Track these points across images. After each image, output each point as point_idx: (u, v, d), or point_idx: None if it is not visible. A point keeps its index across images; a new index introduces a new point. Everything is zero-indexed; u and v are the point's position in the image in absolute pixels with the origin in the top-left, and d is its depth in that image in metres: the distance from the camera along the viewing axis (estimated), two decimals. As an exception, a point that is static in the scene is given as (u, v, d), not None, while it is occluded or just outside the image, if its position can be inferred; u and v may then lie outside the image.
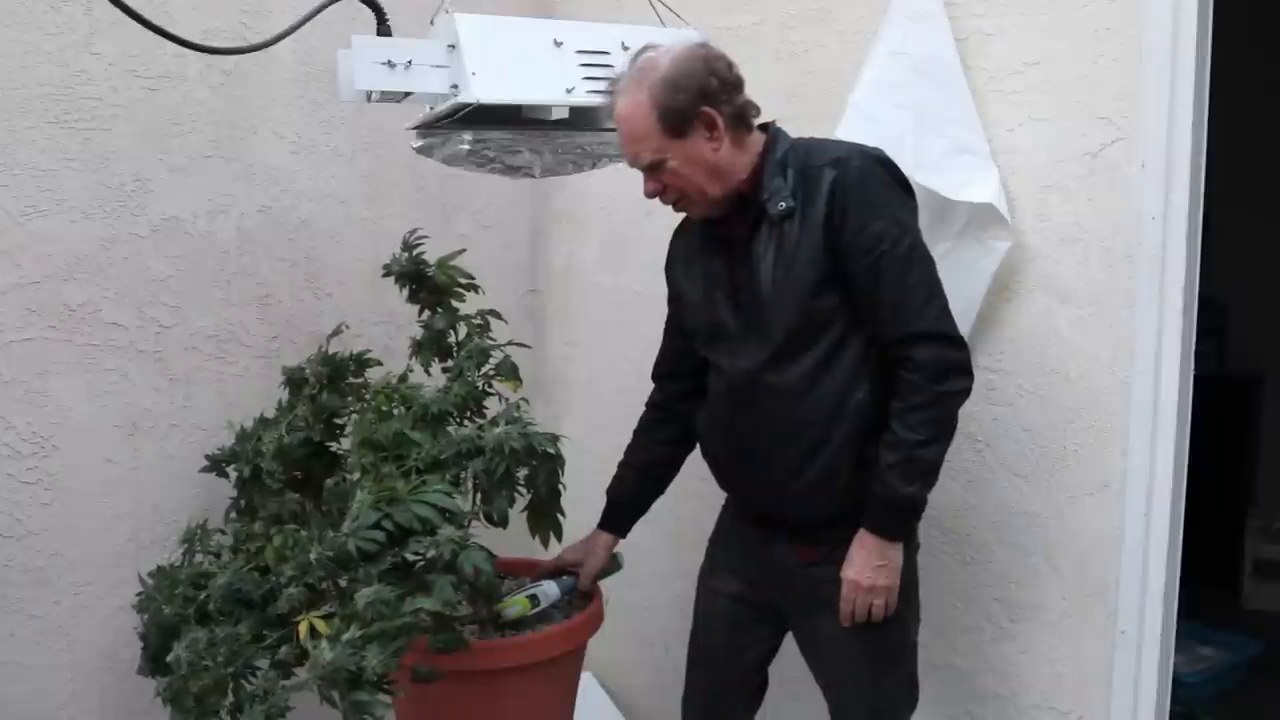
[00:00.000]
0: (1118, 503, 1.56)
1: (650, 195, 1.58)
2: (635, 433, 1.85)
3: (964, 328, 1.71)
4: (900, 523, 1.53)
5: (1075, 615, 1.62)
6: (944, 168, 1.66)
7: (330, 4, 1.60)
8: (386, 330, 2.35)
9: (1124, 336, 1.54)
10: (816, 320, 1.49)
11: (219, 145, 2.12)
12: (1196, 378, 1.52)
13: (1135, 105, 1.52)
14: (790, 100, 2.00)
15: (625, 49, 1.61)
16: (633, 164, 1.55)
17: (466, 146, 1.65)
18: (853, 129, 1.69)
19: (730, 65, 1.51)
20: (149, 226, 2.05)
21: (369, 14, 1.62)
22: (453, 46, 1.53)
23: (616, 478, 1.84)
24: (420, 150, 1.70)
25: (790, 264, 1.49)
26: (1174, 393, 1.50)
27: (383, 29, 1.61)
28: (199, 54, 1.63)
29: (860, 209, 1.46)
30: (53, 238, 1.94)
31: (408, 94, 1.58)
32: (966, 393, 1.48)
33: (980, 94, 1.68)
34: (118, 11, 1.46)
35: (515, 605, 1.72)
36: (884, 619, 1.53)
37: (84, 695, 2.03)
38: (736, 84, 1.51)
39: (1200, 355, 1.52)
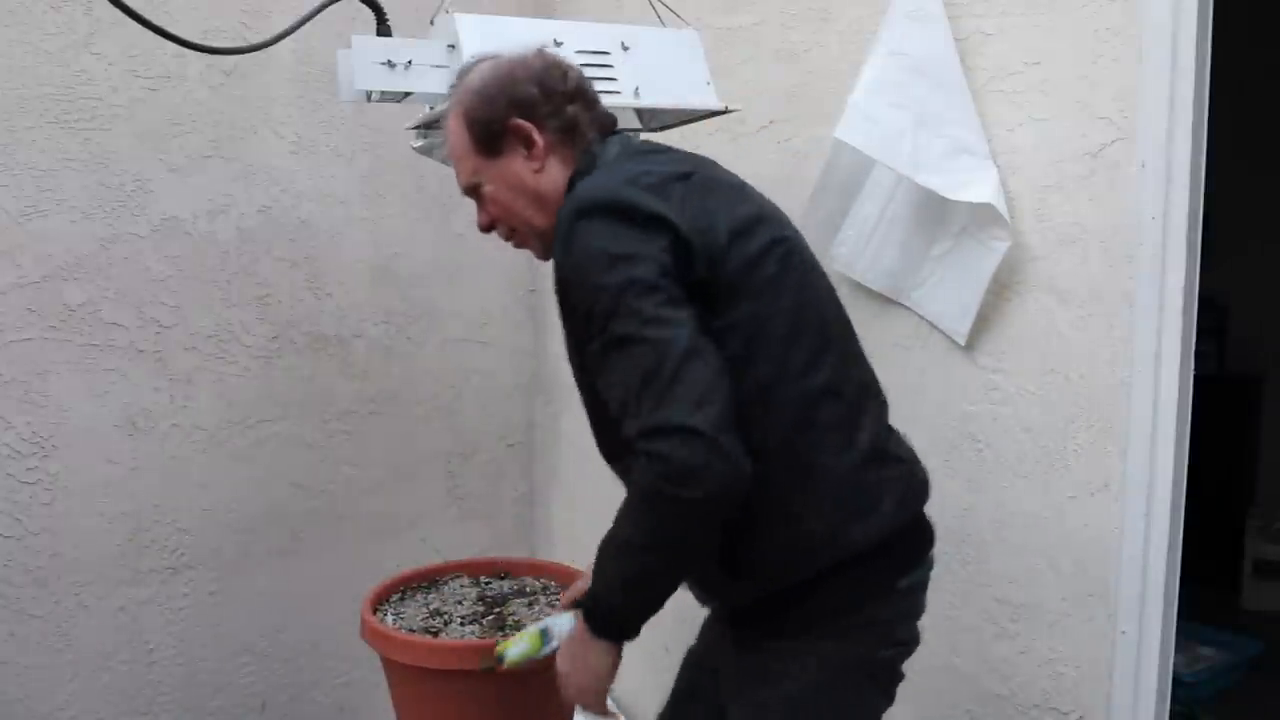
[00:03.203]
0: (1118, 503, 1.56)
1: (483, 229, 1.39)
2: None
3: (964, 328, 1.71)
4: (599, 623, 1.27)
5: (1075, 615, 1.62)
6: (944, 168, 1.66)
7: (330, 4, 1.60)
8: (386, 330, 2.35)
9: (1124, 336, 1.54)
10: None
11: (219, 145, 2.12)
12: (1196, 378, 1.52)
13: (1135, 105, 1.51)
14: (790, 100, 2.00)
15: (625, 49, 1.61)
16: (462, 191, 1.39)
17: (466, 146, 1.65)
18: (853, 129, 1.69)
19: (566, 74, 1.34)
20: (149, 226, 2.05)
21: (369, 14, 1.62)
22: (453, 46, 1.53)
23: None
24: (420, 150, 1.70)
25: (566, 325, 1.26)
26: (1174, 393, 1.50)
27: (383, 29, 1.62)
28: (199, 54, 1.64)
29: (559, 284, 1.22)
30: (53, 238, 1.94)
31: (408, 94, 1.58)
32: (700, 503, 1.11)
33: (980, 94, 1.68)
34: (118, 11, 1.47)
35: (522, 642, 1.46)
36: None
37: (84, 695, 2.03)
38: (571, 95, 1.32)
39: (1200, 355, 1.52)
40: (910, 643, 1.40)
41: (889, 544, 1.30)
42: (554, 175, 1.31)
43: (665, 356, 1.13)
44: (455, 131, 1.33)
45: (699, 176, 1.29)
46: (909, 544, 1.37)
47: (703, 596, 1.40)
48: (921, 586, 1.40)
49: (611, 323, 1.15)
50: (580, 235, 1.18)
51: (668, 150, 1.37)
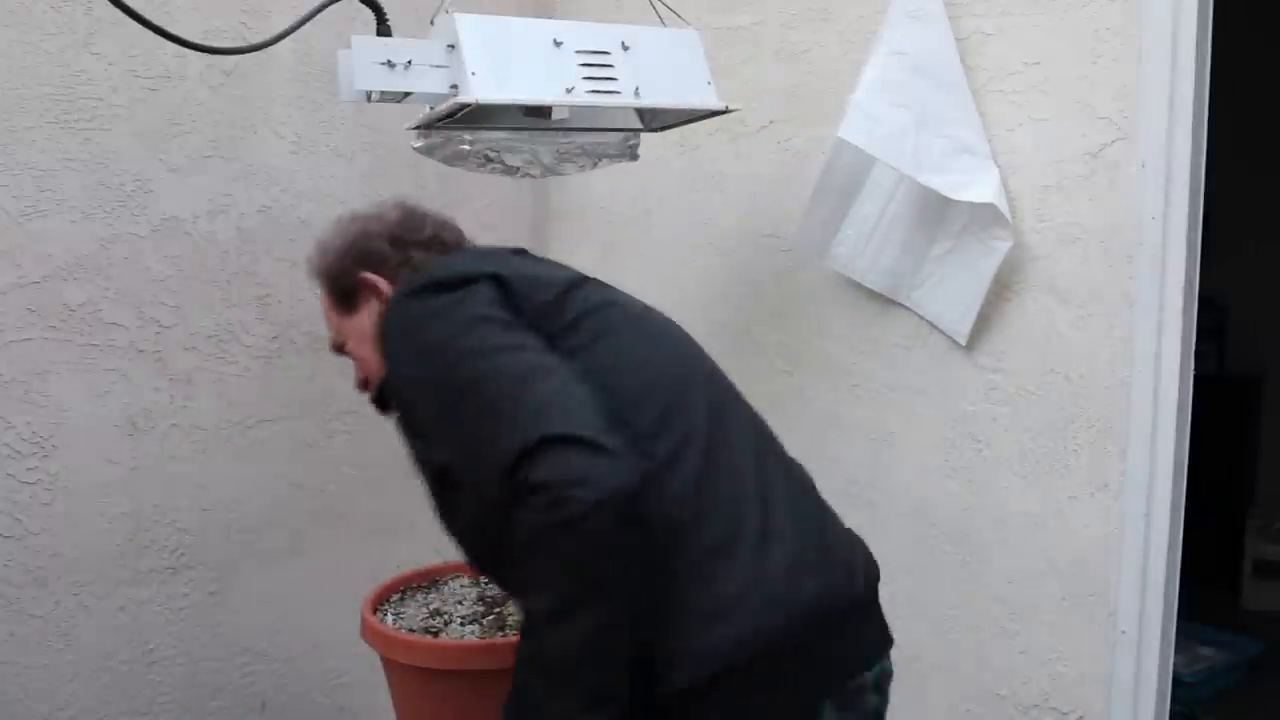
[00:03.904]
0: (1118, 503, 1.56)
1: (358, 389, 1.41)
2: None
3: (964, 328, 1.71)
4: None
5: (1075, 615, 1.62)
6: (944, 168, 1.66)
7: (330, 4, 1.60)
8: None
9: (1124, 336, 1.54)
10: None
11: (219, 145, 2.12)
12: (1196, 378, 1.52)
13: (1135, 105, 1.52)
14: (790, 100, 2.00)
15: (625, 49, 1.61)
16: (331, 349, 1.44)
17: (466, 146, 1.65)
18: (853, 129, 1.69)
19: (423, 224, 1.38)
20: (149, 226, 2.05)
21: (369, 14, 1.62)
22: (452, 46, 1.53)
23: None
24: (420, 150, 1.69)
25: None
26: (1174, 393, 1.50)
27: (383, 29, 1.61)
28: (199, 54, 1.63)
29: (392, 392, 1.24)
30: (53, 238, 1.94)
31: (408, 94, 1.58)
32: (596, 511, 0.98)
33: (980, 94, 1.68)
34: (118, 11, 1.46)
35: None
36: None
37: (84, 695, 2.03)
38: (426, 242, 1.35)
39: (1200, 355, 1.52)
40: None
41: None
42: None
43: (510, 380, 1.07)
44: (321, 292, 1.39)
45: (532, 260, 1.34)
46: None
47: None
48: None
49: (448, 376, 1.10)
50: (392, 321, 1.19)
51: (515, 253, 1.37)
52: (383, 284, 1.34)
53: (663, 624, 1.07)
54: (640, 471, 1.03)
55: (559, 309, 1.20)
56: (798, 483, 1.26)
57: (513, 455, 1.00)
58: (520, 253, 1.37)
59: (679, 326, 1.34)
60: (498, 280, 1.17)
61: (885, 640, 1.23)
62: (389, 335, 1.20)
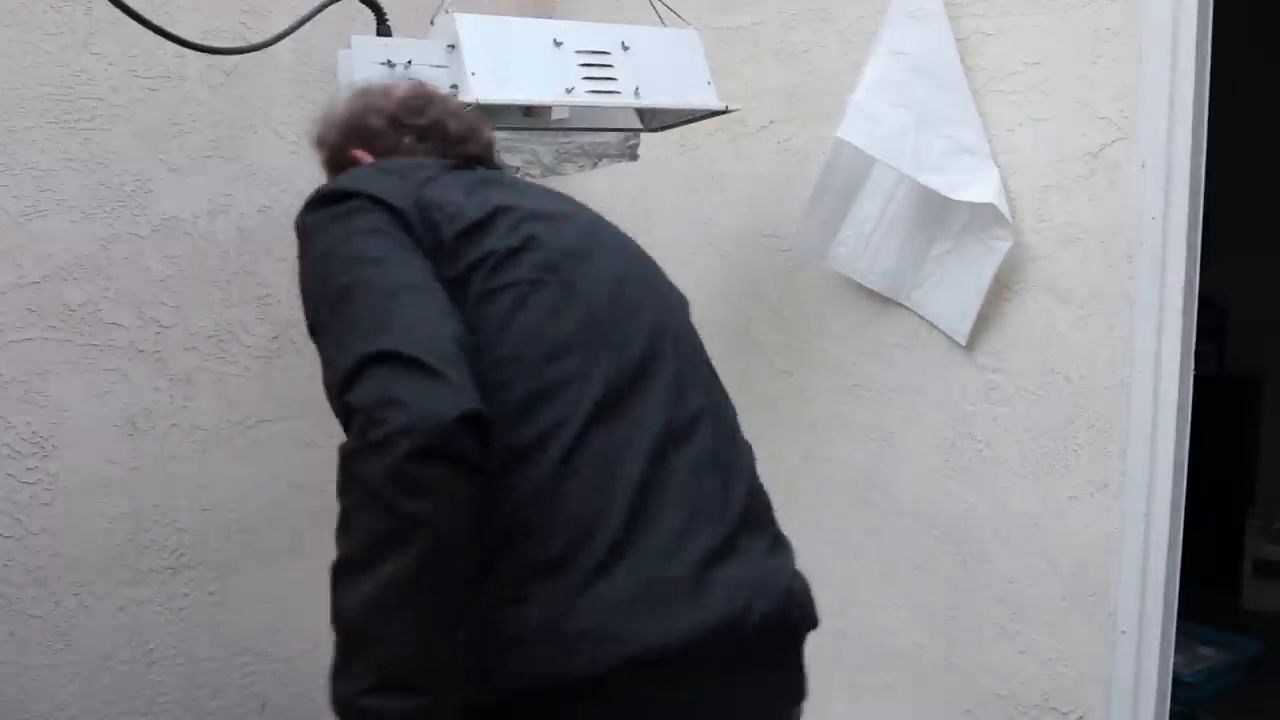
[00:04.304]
0: (1118, 503, 1.56)
1: None
2: None
3: (964, 328, 1.71)
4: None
5: (1075, 615, 1.62)
6: (944, 168, 1.66)
7: (330, 4, 1.60)
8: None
9: (1124, 336, 1.54)
10: None
11: (219, 145, 2.12)
12: (1196, 378, 1.52)
13: (1135, 105, 1.51)
14: (790, 100, 2.00)
15: (625, 49, 1.61)
16: None
17: (466, 146, 1.65)
18: (853, 129, 1.69)
19: (424, 109, 1.27)
20: (149, 226, 2.04)
21: (369, 14, 1.62)
22: (452, 46, 1.53)
23: None
24: (420, 150, 1.69)
25: None
26: (1174, 393, 1.50)
27: (383, 29, 1.61)
28: (199, 54, 1.63)
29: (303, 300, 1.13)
30: (53, 238, 1.94)
31: (408, 94, 1.58)
32: (405, 435, 0.85)
33: (980, 94, 1.68)
34: (118, 11, 1.46)
35: None
36: None
37: (84, 695, 2.03)
38: (422, 129, 1.26)
39: (1200, 355, 1.52)
40: None
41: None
42: None
43: (374, 292, 0.96)
44: (319, 162, 1.32)
45: (483, 175, 1.18)
46: None
47: None
48: None
49: (324, 286, 1.01)
50: (297, 232, 1.11)
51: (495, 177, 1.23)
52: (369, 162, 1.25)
53: (473, 629, 0.94)
54: (473, 408, 0.88)
55: (465, 245, 1.05)
56: (730, 491, 1.08)
57: (341, 373, 0.91)
58: (467, 166, 1.23)
59: (644, 275, 1.21)
60: (388, 206, 1.05)
61: (778, 699, 1.06)
62: (298, 238, 1.13)
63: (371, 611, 0.85)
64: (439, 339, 0.92)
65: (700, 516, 1.02)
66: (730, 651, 0.99)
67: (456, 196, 1.09)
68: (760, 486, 1.16)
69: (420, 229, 1.05)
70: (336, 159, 1.30)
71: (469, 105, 1.51)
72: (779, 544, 1.13)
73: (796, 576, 1.12)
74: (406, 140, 1.25)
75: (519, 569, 0.95)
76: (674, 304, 1.24)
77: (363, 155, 1.26)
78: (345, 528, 0.88)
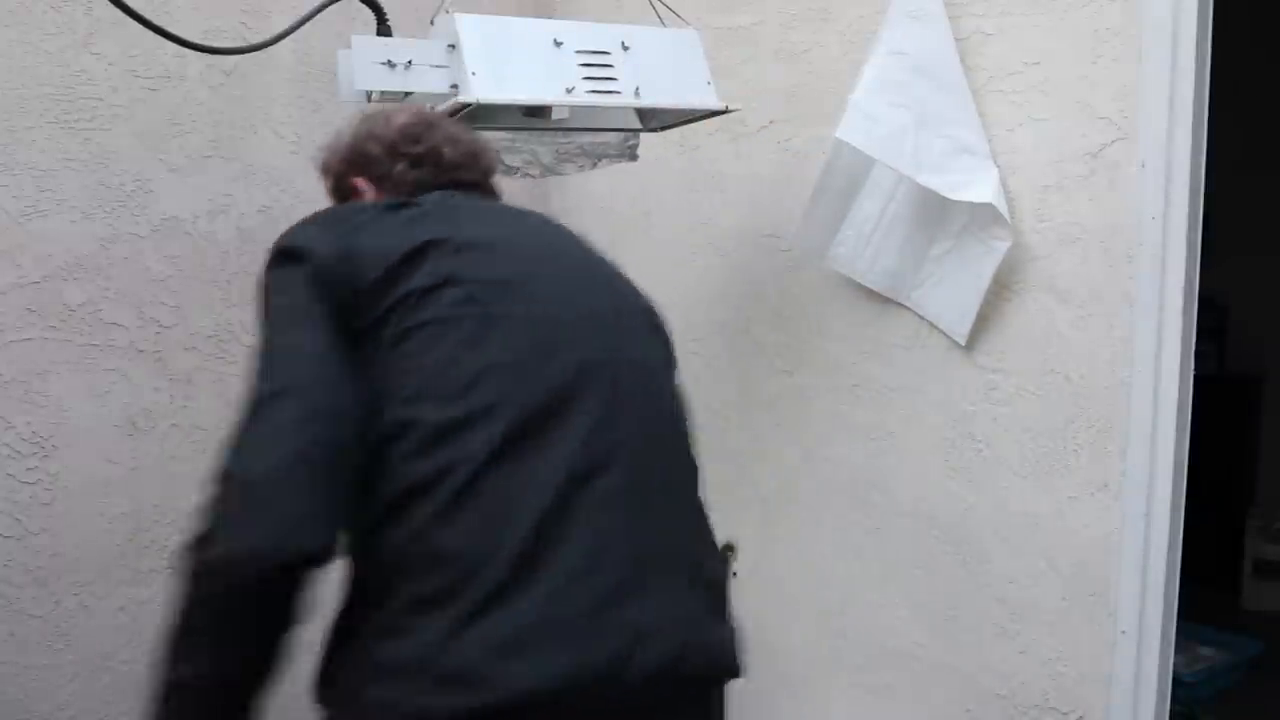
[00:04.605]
0: (1118, 503, 1.56)
1: None
2: None
3: (964, 328, 1.71)
4: None
5: (1075, 615, 1.62)
6: (944, 168, 1.66)
7: (330, 4, 1.60)
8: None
9: (1124, 336, 1.54)
10: None
11: (219, 145, 2.12)
12: (1196, 378, 1.52)
13: (1135, 105, 1.51)
14: (790, 100, 2.00)
15: (625, 49, 1.61)
16: None
17: (466, 146, 1.65)
18: (853, 129, 1.69)
19: (420, 137, 1.28)
20: (149, 226, 2.05)
21: (369, 14, 1.62)
22: (453, 46, 1.53)
23: None
24: (420, 150, 1.69)
25: None
26: (1174, 393, 1.50)
27: (383, 29, 1.62)
28: (199, 54, 1.64)
29: None
30: (53, 238, 1.94)
31: (408, 94, 1.58)
32: (215, 574, 0.97)
33: (980, 94, 1.68)
34: (118, 11, 1.46)
35: None
36: None
37: (84, 695, 2.03)
38: (416, 157, 1.27)
39: (1200, 355, 1.52)
40: None
41: None
42: None
43: (255, 394, 1.00)
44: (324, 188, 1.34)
45: (425, 210, 1.17)
46: None
47: None
48: None
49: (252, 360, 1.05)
50: (259, 287, 1.12)
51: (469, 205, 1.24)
52: (369, 193, 1.27)
53: (356, 654, 1.00)
54: (285, 550, 0.93)
55: (385, 287, 1.05)
56: (648, 528, 1.05)
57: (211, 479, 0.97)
58: (463, 190, 1.26)
59: (594, 304, 1.16)
60: (314, 266, 1.06)
61: None
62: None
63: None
64: (281, 464, 0.95)
65: (604, 555, 1.00)
66: (614, 699, 0.96)
67: (385, 240, 1.09)
68: (696, 526, 1.14)
69: (341, 281, 1.05)
70: (339, 186, 1.31)
71: (469, 105, 1.51)
72: (703, 586, 1.08)
73: (717, 621, 1.08)
74: (399, 167, 1.26)
75: (403, 603, 0.96)
76: (630, 331, 1.19)
77: (362, 184, 1.28)
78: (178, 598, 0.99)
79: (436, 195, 1.21)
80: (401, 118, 1.29)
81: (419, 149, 1.26)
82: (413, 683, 0.93)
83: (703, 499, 1.17)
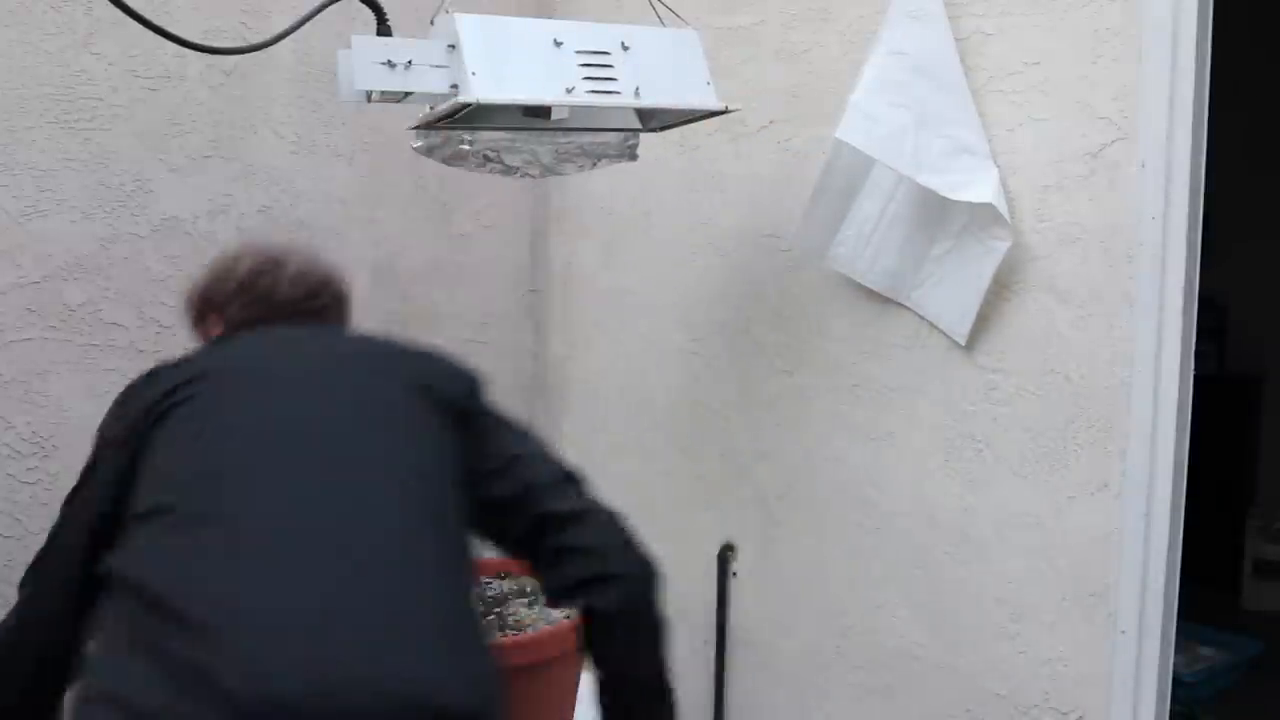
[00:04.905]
0: (1118, 503, 1.56)
1: None
2: None
3: (964, 328, 1.71)
4: None
5: (1075, 615, 1.62)
6: (944, 168, 1.66)
7: (330, 4, 1.60)
8: (386, 330, 2.34)
9: (1124, 336, 1.54)
10: None
11: (219, 145, 2.12)
12: (1196, 378, 1.52)
13: (1135, 105, 1.52)
14: (790, 100, 2.00)
15: (625, 49, 1.61)
16: None
17: (466, 146, 1.65)
18: (852, 129, 1.69)
19: (258, 279, 1.43)
20: (149, 226, 2.05)
21: (369, 14, 1.62)
22: (453, 46, 1.53)
23: None
24: (420, 150, 1.70)
25: None
26: (1174, 393, 1.50)
27: (383, 29, 1.61)
28: (199, 54, 1.63)
29: None
30: (53, 238, 1.94)
31: (408, 94, 1.58)
32: None
33: (980, 94, 1.68)
34: (118, 11, 1.46)
35: None
36: None
37: (84, 695, 2.03)
38: (248, 297, 1.42)
39: (1200, 355, 1.52)
40: None
41: None
42: None
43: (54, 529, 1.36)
44: None
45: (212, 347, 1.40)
46: None
47: None
48: None
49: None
50: None
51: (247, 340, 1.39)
52: (215, 327, 1.43)
53: None
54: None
55: (157, 415, 1.23)
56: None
57: None
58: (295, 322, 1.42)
59: (343, 414, 1.24)
60: (117, 427, 1.27)
61: None
62: None
63: None
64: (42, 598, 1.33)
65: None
66: None
67: (168, 378, 1.27)
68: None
69: (131, 430, 1.23)
70: (197, 326, 1.47)
71: (469, 105, 1.51)
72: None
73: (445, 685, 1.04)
74: (232, 309, 1.42)
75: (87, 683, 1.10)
76: (378, 456, 1.21)
77: (214, 321, 1.43)
78: None
79: (245, 332, 1.39)
80: (248, 262, 1.44)
81: (255, 292, 1.42)
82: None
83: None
